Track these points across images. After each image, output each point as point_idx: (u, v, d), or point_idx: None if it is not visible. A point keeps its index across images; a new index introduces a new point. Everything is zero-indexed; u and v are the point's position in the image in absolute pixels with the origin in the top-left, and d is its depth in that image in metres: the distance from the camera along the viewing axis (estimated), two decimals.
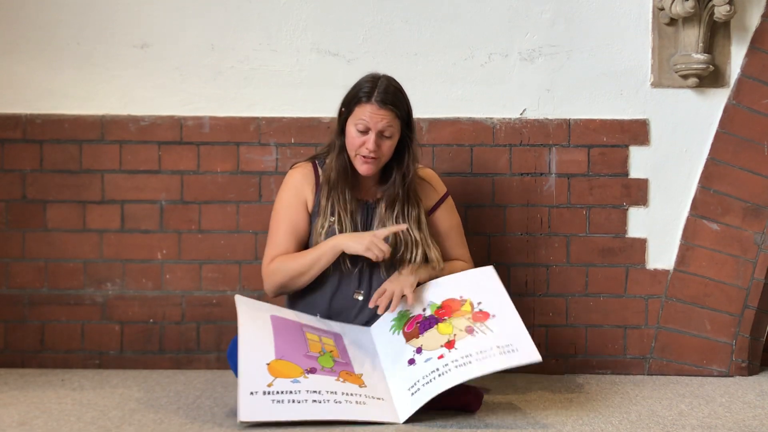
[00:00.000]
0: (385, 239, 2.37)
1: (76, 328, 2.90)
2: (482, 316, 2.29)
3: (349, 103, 2.41)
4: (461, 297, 2.36)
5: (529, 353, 2.18)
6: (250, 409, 2.07)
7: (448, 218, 2.55)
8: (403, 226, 2.38)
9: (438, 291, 2.40)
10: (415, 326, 2.33)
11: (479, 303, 2.33)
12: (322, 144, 2.63)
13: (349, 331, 2.40)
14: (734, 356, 2.84)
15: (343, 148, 2.43)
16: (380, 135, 2.37)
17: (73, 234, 2.90)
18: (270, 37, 2.90)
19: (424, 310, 2.36)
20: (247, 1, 2.89)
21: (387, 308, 2.35)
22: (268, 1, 2.89)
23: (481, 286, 2.39)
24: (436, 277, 2.44)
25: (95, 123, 2.90)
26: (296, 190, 2.47)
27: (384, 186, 2.46)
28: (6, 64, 2.90)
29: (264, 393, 2.09)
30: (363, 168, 2.40)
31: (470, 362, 2.17)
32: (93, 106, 2.90)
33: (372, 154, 2.37)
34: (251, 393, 2.09)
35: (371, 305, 2.38)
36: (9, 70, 2.89)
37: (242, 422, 2.06)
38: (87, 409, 2.33)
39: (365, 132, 2.37)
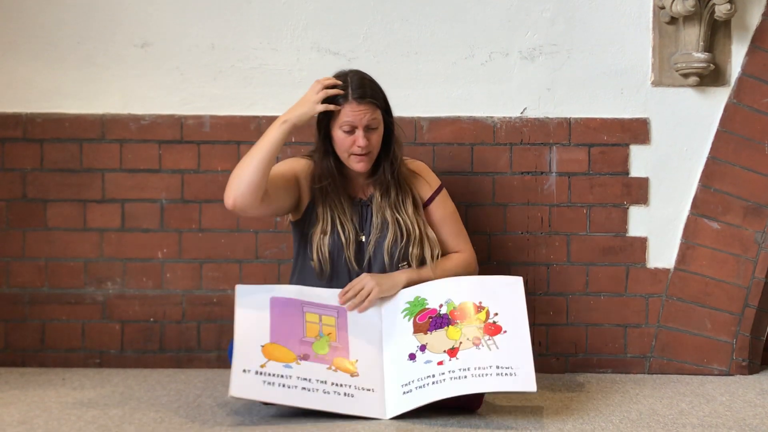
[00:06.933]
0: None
1: (77, 327, 2.90)
2: (494, 329, 2.27)
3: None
4: (480, 303, 2.33)
5: (525, 381, 2.16)
6: (241, 386, 2.14)
7: (442, 208, 2.54)
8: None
9: (460, 290, 2.37)
10: (426, 320, 2.32)
11: (495, 314, 2.30)
12: None
13: None
14: (735, 355, 2.83)
15: (328, 152, 2.43)
16: (367, 129, 2.38)
17: (74, 233, 2.90)
18: (270, 37, 2.89)
19: (440, 306, 2.34)
20: (247, 1, 2.89)
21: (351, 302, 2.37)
22: (268, 1, 2.89)
23: (503, 296, 2.35)
24: (429, 279, 2.41)
25: (96, 122, 2.90)
26: (294, 166, 2.46)
27: (374, 177, 2.46)
28: (6, 63, 2.90)
29: (256, 372, 2.16)
30: (359, 166, 2.41)
31: (466, 377, 2.17)
32: (93, 106, 2.90)
33: (364, 150, 2.38)
34: (244, 370, 2.16)
35: (340, 296, 2.37)
36: (9, 70, 2.89)
37: (232, 396, 2.13)
38: (88, 408, 2.34)
39: (352, 131, 2.38)
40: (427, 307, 2.35)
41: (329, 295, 2.38)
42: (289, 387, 2.16)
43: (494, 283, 2.41)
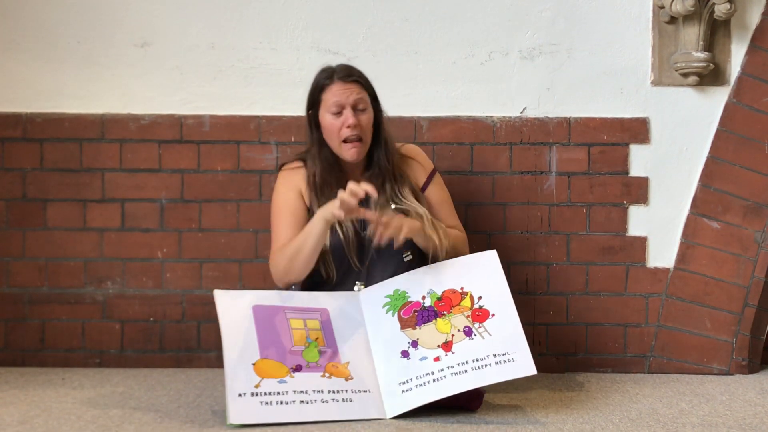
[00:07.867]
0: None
1: (77, 326, 2.90)
2: (482, 314, 2.28)
3: (314, 98, 2.44)
4: (462, 289, 2.33)
5: (525, 365, 2.17)
6: (239, 412, 2.10)
7: (438, 193, 2.55)
8: (370, 190, 2.25)
9: (439, 278, 2.36)
10: (412, 314, 2.31)
11: (480, 298, 2.31)
12: None
13: (336, 303, 2.36)
14: (735, 354, 2.84)
15: (322, 144, 2.44)
16: (355, 109, 2.38)
17: (74, 233, 2.90)
18: (270, 36, 2.90)
19: (423, 298, 2.34)
20: (247, 1, 2.89)
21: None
22: (268, 1, 2.89)
23: (482, 275, 2.35)
24: (437, 242, 2.37)
25: (95, 122, 2.90)
26: (291, 184, 2.46)
27: (369, 172, 2.44)
28: (6, 62, 2.90)
29: (252, 394, 2.13)
30: (351, 153, 2.40)
31: (466, 371, 2.17)
32: (93, 105, 2.90)
33: (355, 132, 2.37)
34: (239, 395, 2.13)
35: (370, 232, 2.30)
36: (9, 69, 2.89)
37: (231, 424, 2.09)
38: (87, 407, 2.34)
39: (340, 112, 2.38)
40: (409, 300, 2.34)
41: (309, 298, 2.37)
42: (286, 403, 2.14)
43: (470, 262, 2.40)
